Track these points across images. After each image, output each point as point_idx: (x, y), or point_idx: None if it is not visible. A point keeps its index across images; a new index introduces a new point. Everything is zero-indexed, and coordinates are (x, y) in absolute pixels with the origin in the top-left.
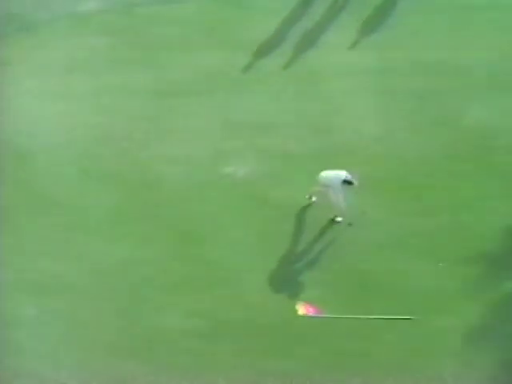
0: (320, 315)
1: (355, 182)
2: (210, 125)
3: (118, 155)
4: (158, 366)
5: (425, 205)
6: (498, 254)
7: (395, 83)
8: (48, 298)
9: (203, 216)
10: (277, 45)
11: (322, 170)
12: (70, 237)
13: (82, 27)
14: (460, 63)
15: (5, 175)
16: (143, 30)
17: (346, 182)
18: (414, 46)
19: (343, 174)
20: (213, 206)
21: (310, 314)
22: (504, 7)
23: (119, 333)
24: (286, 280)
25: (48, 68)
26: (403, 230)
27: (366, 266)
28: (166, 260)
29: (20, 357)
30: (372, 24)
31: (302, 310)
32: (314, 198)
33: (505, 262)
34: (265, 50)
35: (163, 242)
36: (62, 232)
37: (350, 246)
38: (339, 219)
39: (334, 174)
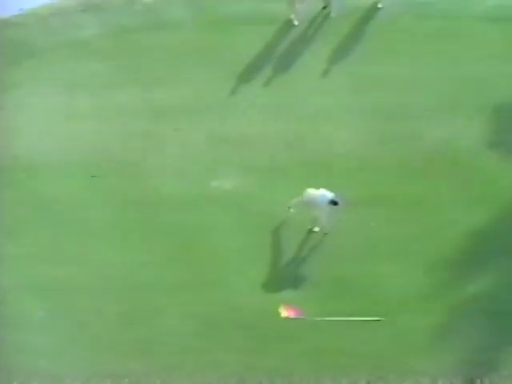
0: (301, 317)
1: (340, 203)
2: (199, 141)
3: (117, 169)
4: (156, 364)
5: (394, 214)
6: (460, 259)
7: (365, 102)
8: (54, 301)
9: (195, 225)
10: (259, 68)
11: (300, 183)
12: (75, 244)
13: (81, 52)
14: (423, 84)
15: (15, 188)
16: (136, 53)
17: (332, 202)
18: (382, 68)
19: (329, 194)
20: (203, 215)
21: (292, 316)
22: (464, 33)
23: (120, 333)
24: (271, 284)
25: (52, 89)
26: (374, 238)
27: (342, 271)
28: (162, 265)
29: (25, 356)
30: (343, 48)
31: (284, 312)
32: (292, 210)
33: (466, 266)
34: (248, 72)
35: (159, 249)
36: (67, 239)
37: (328, 253)
38: (316, 229)
39: (321, 195)
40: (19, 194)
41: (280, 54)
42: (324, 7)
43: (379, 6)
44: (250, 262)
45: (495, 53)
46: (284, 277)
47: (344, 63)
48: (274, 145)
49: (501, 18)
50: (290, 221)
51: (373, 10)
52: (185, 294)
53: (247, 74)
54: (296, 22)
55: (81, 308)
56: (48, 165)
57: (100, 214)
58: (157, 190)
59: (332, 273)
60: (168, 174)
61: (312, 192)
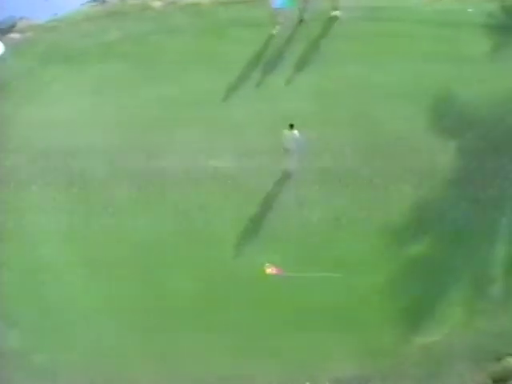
0: (281, 274)
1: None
2: (199, 128)
3: (135, 155)
4: (169, 315)
5: (350, 191)
6: (403, 228)
7: (330, 96)
8: (95, 268)
9: (197, 198)
10: (248, 64)
11: (279, 164)
12: (104, 220)
13: (105, 53)
14: (377, 81)
15: (56, 173)
16: (150, 54)
17: (290, 126)
18: (343, 67)
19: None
20: (203, 189)
21: (274, 273)
22: (410, 34)
23: (145, 291)
24: (256, 247)
25: (82, 85)
26: (335, 210)
27: (311, 237)
28: (171, 236)
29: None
30: (313, 49)
31: (268, 270)
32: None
33: (408, 233)
34: (239, 68)
35: (169, 221)
36: (96, 216)
37: (299, 224)
38: (291, 170)
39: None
40: (59, 175)
41: (265, 52)
42: (300, 20)
43: (338, 13)
44: (240, 230)
45: (436, 51)
46: (267, 242)
47: (313, 63)
48: (259, 131)
49: (441, 22)
50: (273, 196)
51: (335, 16)
52: (189, 257)
53: (238, 70)
54: (274, 32)
55: (115, 272)
56: (80, 149)
57: (124, 192)
58: (166, 169)
59: (304, 238)
60: (175, 155)
61: (286, 132)
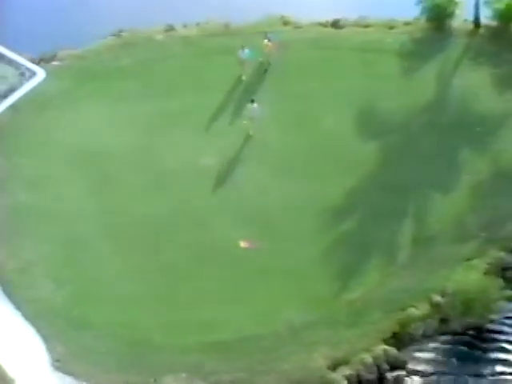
0: (252, 247)
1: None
2: (190, 134)
3: (140, 153)
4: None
5: (297, 175)
6: (326, 209)
7: (284, 105)
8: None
9: (189, 186)
10: (228, 84)
11: (250, 160)
12: (119, 202)
13: (120, 75)
14: (318, 94)
15: (84, 166)
16: (152, 76)
17: (251, 101)
18: (293, 86)
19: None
20: (194, 180)
21: (247, 246)
22: (341, 59)
23: (151, 259)
24: (233, 226)
25: (104, 101)
26: (279, 194)
27: (268, 217)
28: (168, 210)
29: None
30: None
31: (243, 244)
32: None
33: (338, 212)
34: (220, 87)
35: (165, 204)
36: (114, 200)
37: (259, 206)
38: (251, 132)
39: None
40: (87, 169)
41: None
42: (265, 70)
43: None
44: (220, 206)
45: (362, 71)
46: (239, 218)
47: (270, 82)
48: (234, 136)
49: (366, 49)
50: (241, 185)
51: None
52: (178, 229)
53: (220, 88)
54: (244, 78)
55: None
56: (102, 150)
57: (134, 178)
58: (165, 163)
59: (258, 217)
60: (172, 155)
61: (249, 105)
